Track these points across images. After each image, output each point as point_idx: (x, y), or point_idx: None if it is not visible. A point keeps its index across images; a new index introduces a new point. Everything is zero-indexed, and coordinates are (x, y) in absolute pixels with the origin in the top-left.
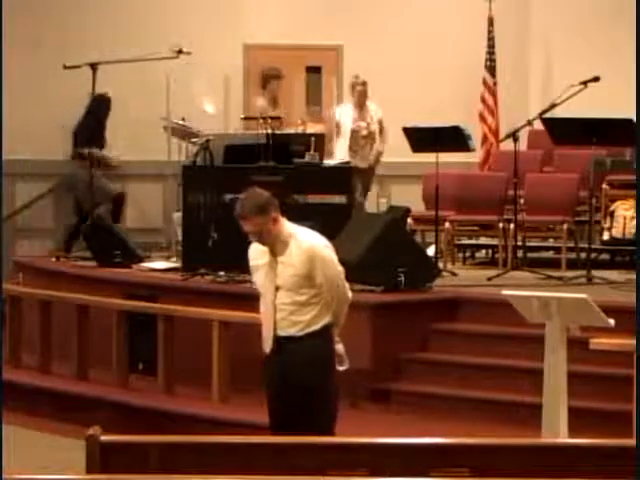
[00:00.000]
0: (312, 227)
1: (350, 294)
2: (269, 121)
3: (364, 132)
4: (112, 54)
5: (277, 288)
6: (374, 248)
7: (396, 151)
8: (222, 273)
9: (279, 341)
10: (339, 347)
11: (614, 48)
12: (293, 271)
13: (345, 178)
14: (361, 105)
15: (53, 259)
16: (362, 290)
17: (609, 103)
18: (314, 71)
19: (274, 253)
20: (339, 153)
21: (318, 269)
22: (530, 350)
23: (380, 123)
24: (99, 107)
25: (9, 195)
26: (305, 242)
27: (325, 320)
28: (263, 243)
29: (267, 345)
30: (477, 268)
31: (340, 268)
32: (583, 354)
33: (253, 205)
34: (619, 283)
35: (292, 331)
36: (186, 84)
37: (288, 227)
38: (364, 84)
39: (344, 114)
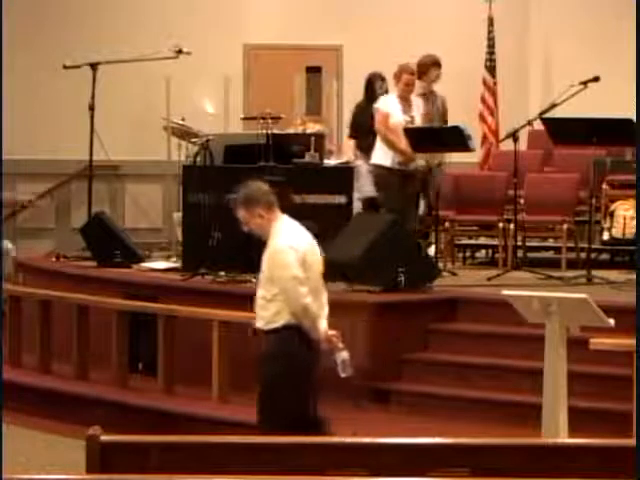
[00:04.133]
0: (312, 227)
1: (303, 301)
2: (269, 121)
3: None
4: (112, 54)
5: (260, 282)
6: (374, 248)
7: None
8: (222, 273)
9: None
10: (342, 354)
11: (614, 48)
12: (263, 268)
13: (345, 178)
14: (406, 98)
15: (53, 259)
16: (362, 290)
17: (609, 103)
18: (314, 71)
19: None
20: (377, 153)
21: (273, 271)
22: (530, 350)
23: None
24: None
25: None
26: (273, 243)
27: (286, 319)
28: (255, 234)
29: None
30: (477, 268)
31: (294, 273)
32: (583, 354)
33: (241, 196)
34: (619, 283)
35: (260, 324)
36: (186, 84)
37: (276, 225)
38: (414, 74)
39: (392, 106)
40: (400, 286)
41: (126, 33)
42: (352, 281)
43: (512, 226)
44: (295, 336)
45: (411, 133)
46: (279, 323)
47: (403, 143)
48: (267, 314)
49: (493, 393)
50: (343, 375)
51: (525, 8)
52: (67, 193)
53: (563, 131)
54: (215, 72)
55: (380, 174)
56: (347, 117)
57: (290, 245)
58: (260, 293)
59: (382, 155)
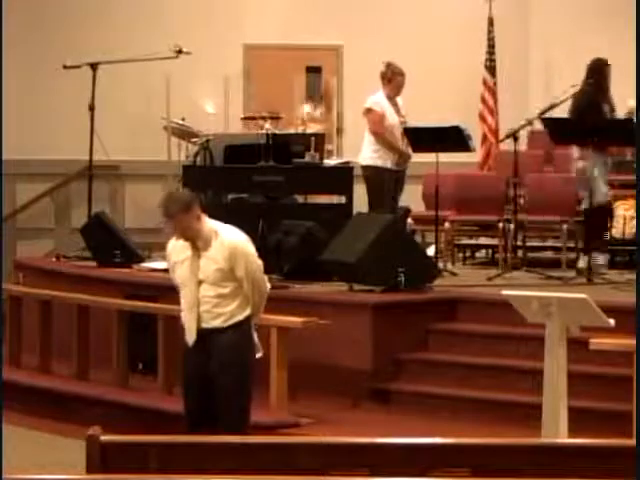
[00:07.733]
0: (312, 227)
1: (268, 285)
2: (269, 121)
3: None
4: (112, 54)
5: (200, 282)
6: (374, 248)
7: None
8: None
9: (203, 333)
10: (254, 336)
11: (614, 47)
12: (216, 266)
13: (345, 178)
14: (393, 97)
15: (53, 259)
16: (362, 290)
17: None
18: (314, 71)
19: (196, 248)
20: (374, 154)
21: (240, 264)
22: (530, 350)
23: None
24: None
25: (9, 195)
26: (228, 239)
27: (247, 311)
28: (187, 239)
29: (190, 337)
30: (477, 268)
31: (259, 262)
32: (583, 354)
33: (179, 204)
34: (619, 283)
35: (216, 323)
36: (186, 84)
37: (210, 224)
38: (404, 75)
39: (385, 107)
40: (400, 286)
41: (126, 33)
42: (352, 281)
43: (512, 226)
44: (250, 325)
45: (411, 133)
46: (242, 315)
47: (400, 143)
48: (227, 310)
49: (493, 393)
50: (258, 355)
51: (525, 8)
52: (67, 193)
53: (563, 131)
54: (215, 72)
55: (374, 176)
56: (347, 117)
57: (245, 238)
58: (211, 292)
59: (380, 157)
